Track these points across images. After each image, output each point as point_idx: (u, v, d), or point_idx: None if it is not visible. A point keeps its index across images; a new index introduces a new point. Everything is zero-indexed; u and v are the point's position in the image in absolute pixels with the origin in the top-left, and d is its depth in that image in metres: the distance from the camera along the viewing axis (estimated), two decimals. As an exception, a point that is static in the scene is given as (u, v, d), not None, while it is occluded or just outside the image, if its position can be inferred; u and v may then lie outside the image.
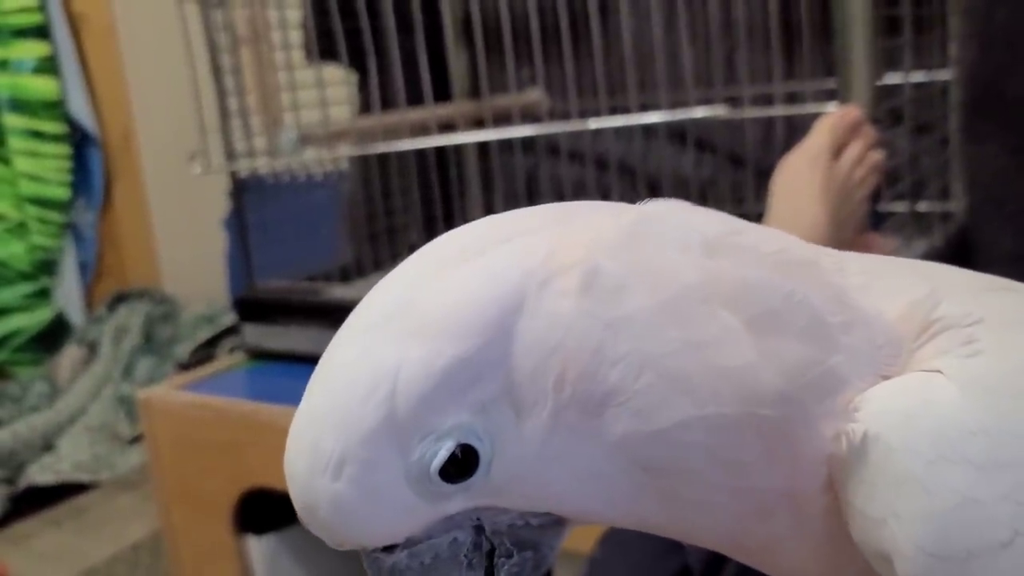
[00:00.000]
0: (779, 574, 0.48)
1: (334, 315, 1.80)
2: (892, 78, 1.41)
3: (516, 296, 0.42)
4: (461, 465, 0.43)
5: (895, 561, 0.40)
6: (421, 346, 0.42)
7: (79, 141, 3.09)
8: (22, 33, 2.93)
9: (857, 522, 0.42)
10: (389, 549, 0.45)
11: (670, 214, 0.45)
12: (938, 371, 0.41)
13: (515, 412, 0.43)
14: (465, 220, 0.48)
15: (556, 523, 0.46)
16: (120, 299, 3.07)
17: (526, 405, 0.42)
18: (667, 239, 0.44)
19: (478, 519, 0.45)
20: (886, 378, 0.43)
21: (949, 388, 0.41)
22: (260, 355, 1.98)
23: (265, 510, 1.85)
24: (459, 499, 0.44)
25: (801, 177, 1.11)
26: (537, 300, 0.42)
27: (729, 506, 0.44)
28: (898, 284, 0.45)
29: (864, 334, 0.43)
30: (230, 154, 1.82)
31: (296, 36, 1.91)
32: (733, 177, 1.67)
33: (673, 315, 0.42)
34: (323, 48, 1.80)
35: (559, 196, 1.74)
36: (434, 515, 0.44)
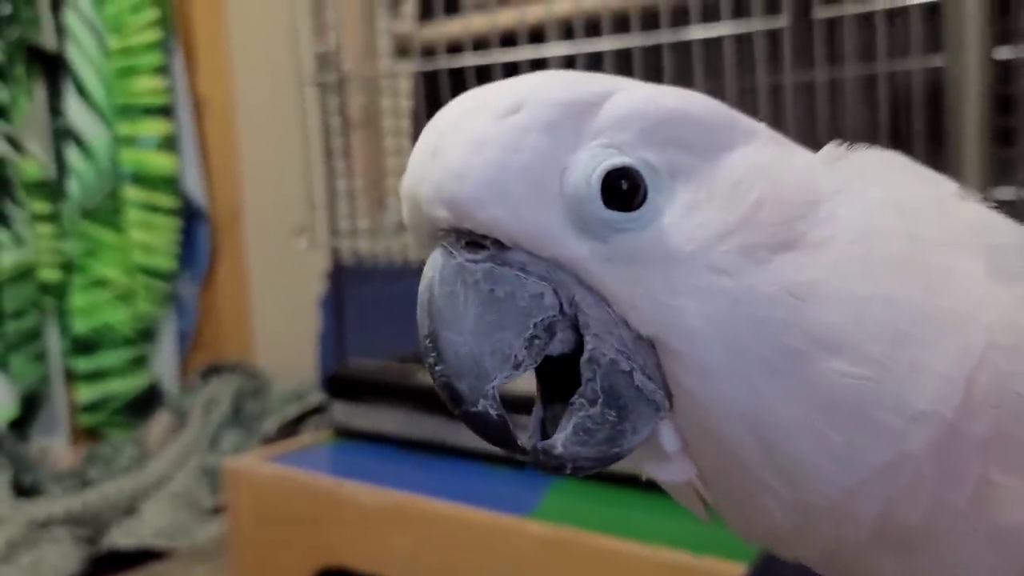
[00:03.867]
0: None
1: (423, 399, 1.82)
2: (1004, 192, 1.38)
3: (750, 129, 0.43)
4: (622, 199, 0.39)
5: None
6: (655, 89, 0.42)
7: (189, 215, 3.22)
8: (149, 112, 3.09)
9: None
10: (473, 247, 0.40)
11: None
12: None
13: (701, 198, 0.40)
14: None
15: (651, 403, 0.40)
16: (213, 371, 3.14)
17: (714, 200, 0.40)
18: (920, 172, 0.44)
19: (576, 316, 0.40)
20: None
21: None
22: (346, 433, 1.99)
23: (339, 589, 1.84)
24: (586, 245, 0.40)
25: None
26: (771, 146, 0.42)
27: (886, 421, 0.38)
28: None
29: None
30: (334, 232, 1.87)
31: (407, 124, 1.98)
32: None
33: (910, 211, 0.41)
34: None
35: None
36: (548, 241, 0.40)
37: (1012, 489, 0.38)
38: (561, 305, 0.40)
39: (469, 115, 0.41)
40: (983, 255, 0.41)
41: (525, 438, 0.41)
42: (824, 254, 0.39)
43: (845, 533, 0.40)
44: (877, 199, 0.41)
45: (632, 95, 0.41)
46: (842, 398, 0.38)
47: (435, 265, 0.41)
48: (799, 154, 0.43)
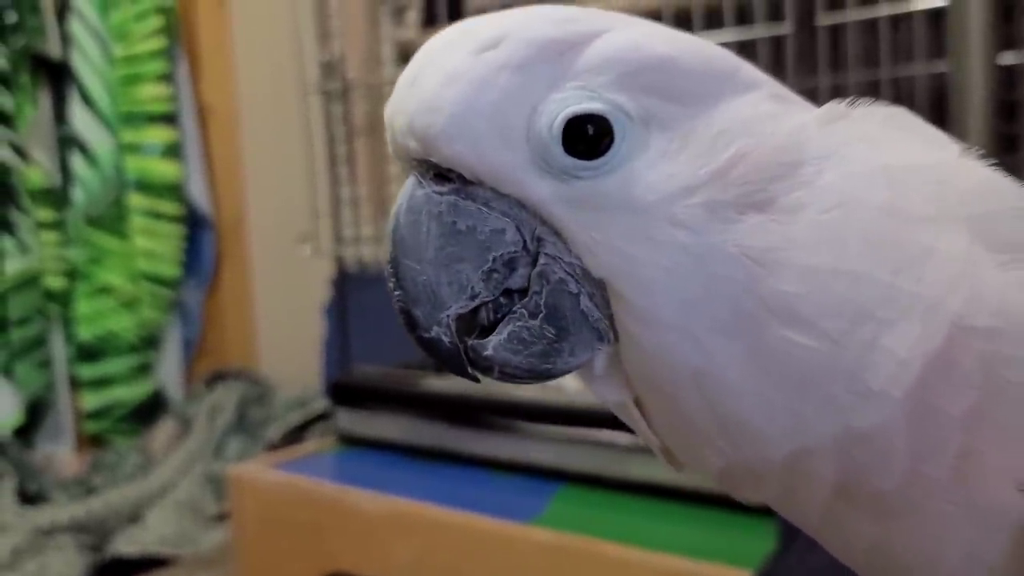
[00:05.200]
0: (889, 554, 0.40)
1: (428, 406, 1.82)
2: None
3: (750, 81, 0.41)
4: (589, 143, 0.39)
5: None
6: (648, 32, 0.40)
7: (193, 222, 3.22)
8: (154, 119, 3.10)
9: None
10: (441, 179, 0.40)
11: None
12: None
13: (675, 148, 0.39)
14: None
15: (595, 330, 0.40)
16: (218, 378, 3.14)
17: (688, 151, 0.39)
18: (925, 134, 0.42)
19: (539, 248, 0.40)
20: None
21: None
22: (351, 440, 1.99)
23: (343, 596, 1.84)
24: (548, 186, 0.39)
25: None
26: (769, 101, 0.41)
27: (844, 400, 0.37)
28: None
29: None
30: (338, 239, 1.87)
31: (410, 131, 1.98)
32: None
33: (900, 181, 0.39)
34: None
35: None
36: (509, 180, 0.40)
37: (996, 467, 0.37)
38: (525, 242, 0.40)
39: (448, 47, 0.40)
40: (972, 230, 0.39)
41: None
42: (794, 221, 0.38)
43: (796, 487, 0.40)
44: (867, 166, 0.39)
45: (620, 37, 0.40)
46: (791, 367, 0.38)
47: (406, 193, 0.42)
48: (799, 112, 0.42)
